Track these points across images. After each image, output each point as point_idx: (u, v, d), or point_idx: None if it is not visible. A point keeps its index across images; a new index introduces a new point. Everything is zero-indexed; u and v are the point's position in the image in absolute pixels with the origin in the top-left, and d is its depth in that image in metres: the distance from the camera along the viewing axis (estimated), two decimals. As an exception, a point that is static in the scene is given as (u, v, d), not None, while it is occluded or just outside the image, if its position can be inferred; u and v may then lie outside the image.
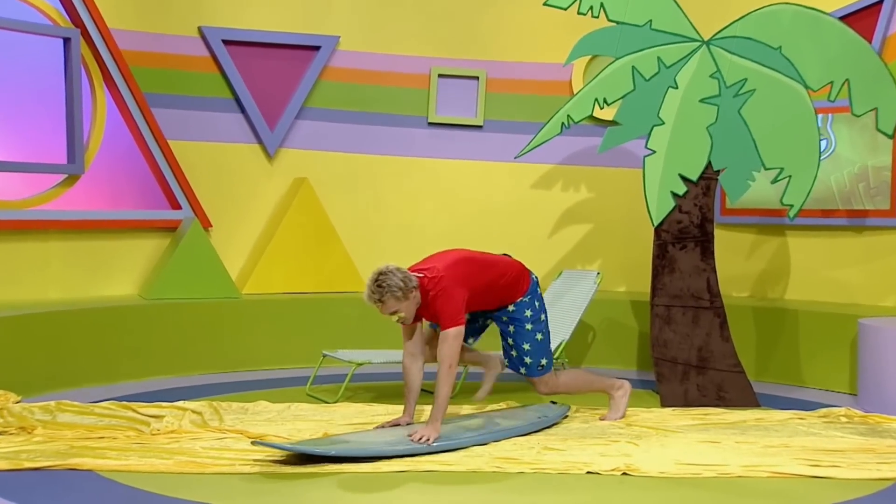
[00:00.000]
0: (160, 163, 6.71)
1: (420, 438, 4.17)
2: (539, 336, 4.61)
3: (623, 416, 4.93)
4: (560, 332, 5.96)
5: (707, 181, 5.57)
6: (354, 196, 7.41)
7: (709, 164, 5.52)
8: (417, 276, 4.28)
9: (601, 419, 4.94)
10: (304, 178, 7.17)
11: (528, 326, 4.58)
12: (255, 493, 3.66)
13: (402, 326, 4.47)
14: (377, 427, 4.53)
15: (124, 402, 4.95)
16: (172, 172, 6.74)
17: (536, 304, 4.63)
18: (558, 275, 6.60)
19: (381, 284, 4.19)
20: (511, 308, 4.59)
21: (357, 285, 7.18)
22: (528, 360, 4.63)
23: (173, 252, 6.54)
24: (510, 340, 4.65)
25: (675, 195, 5.53)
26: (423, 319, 4.49)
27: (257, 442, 4.03)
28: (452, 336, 4.24)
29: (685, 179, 5.53)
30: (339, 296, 6.98)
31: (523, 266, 4.68)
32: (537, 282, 4.72)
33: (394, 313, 4.24)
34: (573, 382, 4.85)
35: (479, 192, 7.58)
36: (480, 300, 4.46)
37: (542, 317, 4.63)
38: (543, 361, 4.66)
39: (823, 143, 6.50)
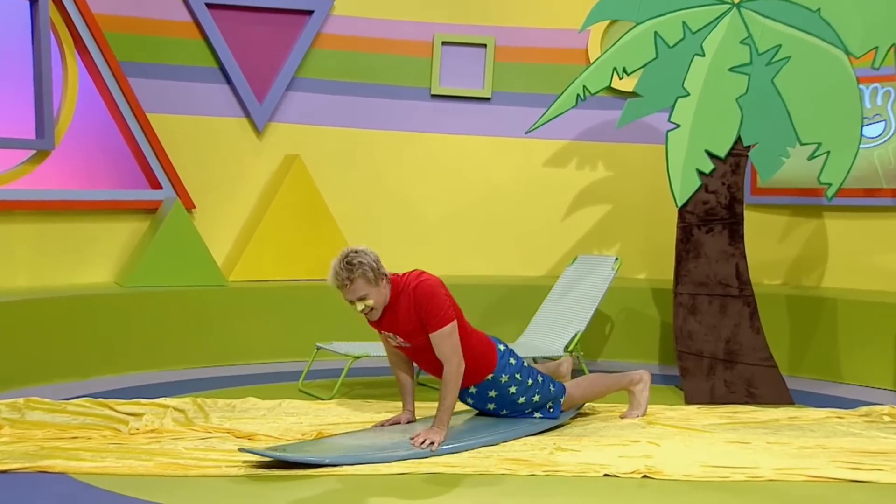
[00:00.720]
0: (138, 138, 6.69)
1: (423, 442, 4.14)
2: (529, 382, 4.55)
3: (644, 412, 4.93)
4: (575, 322, 5.97)
5: (736, 158, 5.55)
6: (351, 175, 7.40)
7: (738, 140, 5.49)
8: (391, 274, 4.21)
9: (621, 417, 4.95)
10: (296, 156, 7.15)
11: (513, 389, 4.51)
12: (244, 498, 3.66)
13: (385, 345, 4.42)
14: (376, 426, 4.51)
15: (100, 399, 4.95)
16: (152, 149, 6.72)
17: (512, 371, 4.50)
18: (573, 260, 6.60)
19: (351, 262, 4.12)
20: (492, 393, 4.49)
21: (353, 272, 7.16)
22: (536, 398, 4.58)
23: (153, 236, 6.53)
24: (505, 412, 4.57)
25: (700, 173, 5.51)
26: (390, 334, 4.31)
27: (245, 449, 4.02)
28: (448, 332, 4.19)
29: (712, 156, 5.51)
30: (333, 283, 6.97)
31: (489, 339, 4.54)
32: (508, 351, 4.56)
33: (362, 299, 4.14)
34: (589, 392, 4.84)
35: (487, 170, 7.58)
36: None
37: (518, 376, 4.52)
38: (552, 388, 4.62)
39: (881, 126, 6.46)
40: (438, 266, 7.53)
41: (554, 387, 4.66)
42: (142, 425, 4.56)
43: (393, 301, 4.23)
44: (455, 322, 4.23)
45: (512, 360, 4.53)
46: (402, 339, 4.32)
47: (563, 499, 3.72)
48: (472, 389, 4.49)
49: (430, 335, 4.20)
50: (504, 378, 4.48)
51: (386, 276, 4.19)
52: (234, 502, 3.61)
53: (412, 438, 4.20)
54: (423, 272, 4.30)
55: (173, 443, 4.32)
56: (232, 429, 4.56)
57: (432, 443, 4.15)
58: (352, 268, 4.11)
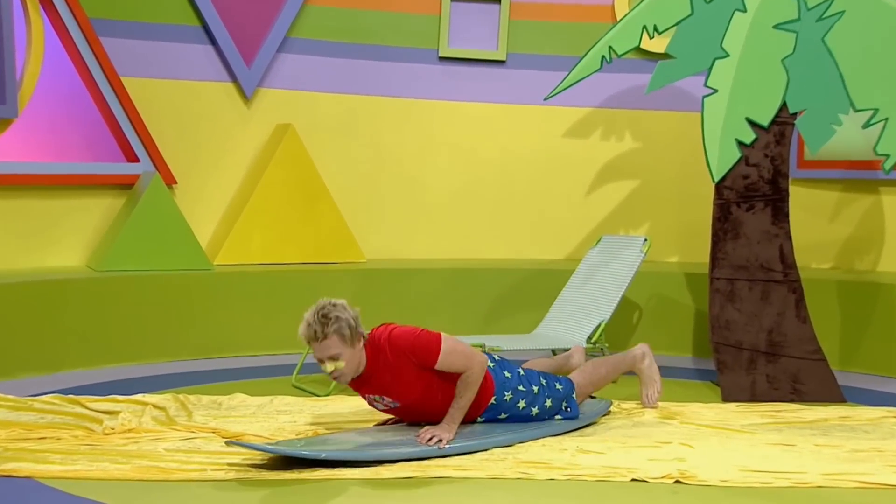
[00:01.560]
0: (112, 105, 6.68)
1: (431, 439, 4.16)
2: (535, 389, 4.58)
3: (661, 387, 5.06)
4: (599, 311, 5.98)
5: (781, 126, 5.52)
6: (349, 146, 7.39)
7: (783, 106, 5.46)
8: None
9: (643, 405, 5.03)
10: (289, 125, 7.14)
11: (522, 404, 4.55)
12: (230, 505, 3.65)
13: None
14: (378, 425, 4.52)
15: (71, 396, 4.96)
16: (127, 117, 6.71)
17: (513, 385, 4.52)
18: (597, 242, 6.60)
19: (327, 315, 4.08)
20: (503, 416, 4.53)
21: (354, 254, 7.18)
22: (548, 403, 4.63)
23: (129, 214, 6.53)
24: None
25: (741, 144, 5.49)
26: (376, 397, 4.32)
27: (232, 442, 4.04)
28: (448, 349, 4.20)
29: (754, 125, 5.48)
30: (330, 268, 6.98)
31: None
32: (499, 364, 4.57)
33: (332, 358, 4.11)
34: (595, 377, 4.90)
35: (501, 141, 7.57)
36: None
37: (521, 387, 4.55)
38: (559, 387, 4.68)
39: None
40: (447, 249, 7.55)
41: (560, 385, 4.70)
42: (117, 424, 4.56)
43: (372, 362, 4.21)
44: (443, 335, 4.24)
45: (507, 374, 4.54)
46: (391, 400, 4.32)
47: (587, 506, 3.71)
48: (480, 419, 4.53)
49: (436, 367, 4.21)
50: (507, 396, 4.51)
51: (364, 336, 4.18)
52: (219, 510, 3.61)
53: (418, 435, 4.20)
54: (388, 324, 4.30)
55: (153, 444, 4.32)
56: (218, 428, 4.56)
57: (440, 440, 4.16)
58: (327, 322, 4.08)
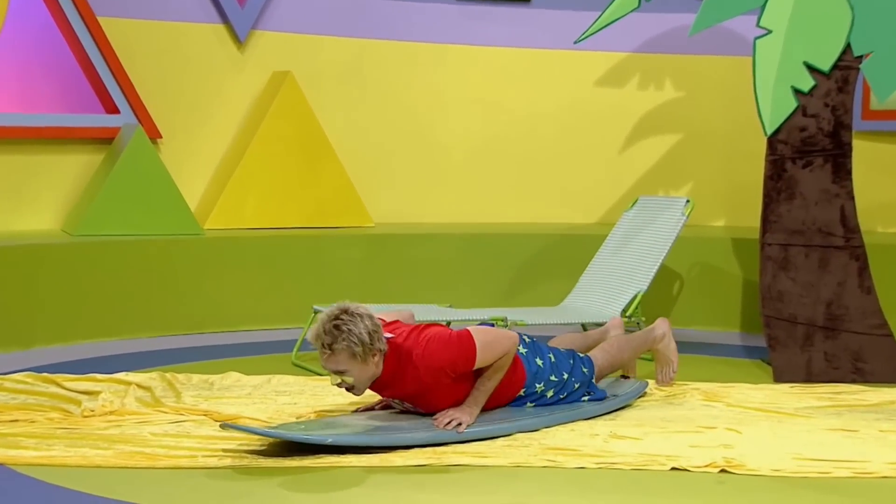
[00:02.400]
0: (88, 49, 6.68)
1: (449, 423, 4.17)
2: (564, 376, 4.61)
3: (677, 365, 5.10)
4: (635, 281, 5.98)
5: (844, 71, 5.50)
6: (355, 97, 7.39)
7: (847, 48, 5.40)
8: (388, 337, 4.18)
9: (658, 383, 5.11)
10: (287, 73, 7.12)
11: (550, 393, 4.60)
12: (224, 495, 3.67)
13: None
14: (360, 410, 4.49)
15: (45, 375, 4.97)
16: (106, 63, 6.71)
17: (545, 375, 4.57)
18: (632, 203, 6.59)
19: (339, 326, 4.05)
20: (530, 405, 4.57)
21: (360, 218, 7.18)
22: (576, 386, 4.68)
23: (109, 172, 6.54)
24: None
25: (797, 92, 5.44)
26: (394, 399, 4.37)
27: (227, 425, 4.05)
28: (482, 336, 4.23)
29: (813, 70, 5.43)
30: (334, 233, 6.98)
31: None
32: (532, 348, 4.60)
33: (339, 373, 4.11)
34: (616, 360, 4.95)
35: (526, 91, 7.55)
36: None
37: (553, 377, 4.59)
38: (585, 370, 4.72)
39: None
40: (465, 212, 7.54)
41: (586, 367, 4.74)
42: (98, 406, 4.57)
43: (395, 372, 4.20)
44: (473, 333, 4.25)
45: (539, 362, 4.56)
46: (409, 405, 4.36)
47: (620, 497, 3.71)
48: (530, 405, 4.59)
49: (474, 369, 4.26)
50: (539, 387, 4.55)
51: (381, 351, 4.14)
52: (212, 501, 3.62)
53: (435, 418, 4.22)
54: (408, 328, 4.27)
55: (137, 427, 4.33)
56: (210, 410, 4.57)
57: (459, 423, 4.17)
58: (338, 334, 4.05)
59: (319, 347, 4.10)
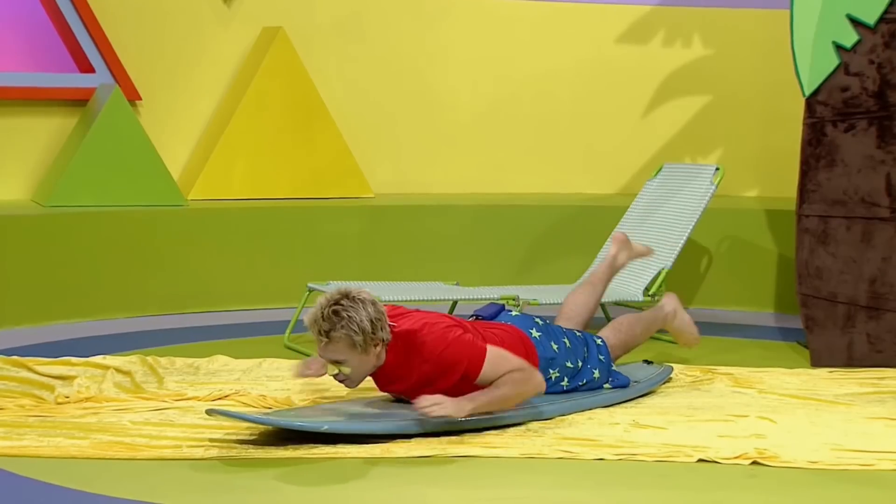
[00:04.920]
0: (60, 2, 6.65)
1: (428, 407, 4.02)
2: (579, 364, 4.63)
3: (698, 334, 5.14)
4: (659, 256, 5.99)
5: (891, 25, 5.47)
6: (353, 55, 7.38)
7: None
8: (393, 326, 4.17)
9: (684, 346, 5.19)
10: (279, 28, 7.12)
11: (565, 382, 4.60)
12: (212, 488, 3.67)
13: None
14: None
15: (15, 358, 4.98)
16: (80, 17, 6.69)
17: (560, 361, 4.58)
18: (657, 171, 6.60)
19: (338, 312, 4.03)
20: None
21: (359, 188, 7.17)
22: (595, 374, 4.70)
23: (83, 137, 6.54)
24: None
25: (839, 48, 5.42)
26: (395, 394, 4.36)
27: (214, 410, 4.05)
28: (493, 359, 4.18)
29: (857, 23, 5.42)
30: (330, 204, 6.99)
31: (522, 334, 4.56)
32: (545, 333, 4.61)
33: (337, 363, 4.10)
34: (630, 340, 4.96)
35: (541, 47, 7.55)
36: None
37: (569, 363, 4.61)
38: (601, 357, 4.74)
39: None
40: (474, 182, 7.54)
41: (602, 355, 4.76)
42: (73, 392, 4.58)
43: (398, 361, 4.20)
44: (487, 347, 4.22)
45: (555, 346, 4.56)
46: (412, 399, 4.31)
47: (642, 491, 3.72)
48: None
49: (479, 380, 4.19)
50: (553, 374, 4.55)
51: (384, 341, 4.13)
52: (198, 494, 3.63)
53: (418, 399, 4.07)
54: (422, 323, 4.24)
55: (116, 415, 4.34)
56: (196, 396, 4.59)
57: (442, 408, 4.03)
58: (337, 321, 4.03)
59: (316, 334, 4.09)
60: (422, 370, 4.21)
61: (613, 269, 5.22)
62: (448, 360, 4.18)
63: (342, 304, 4.05)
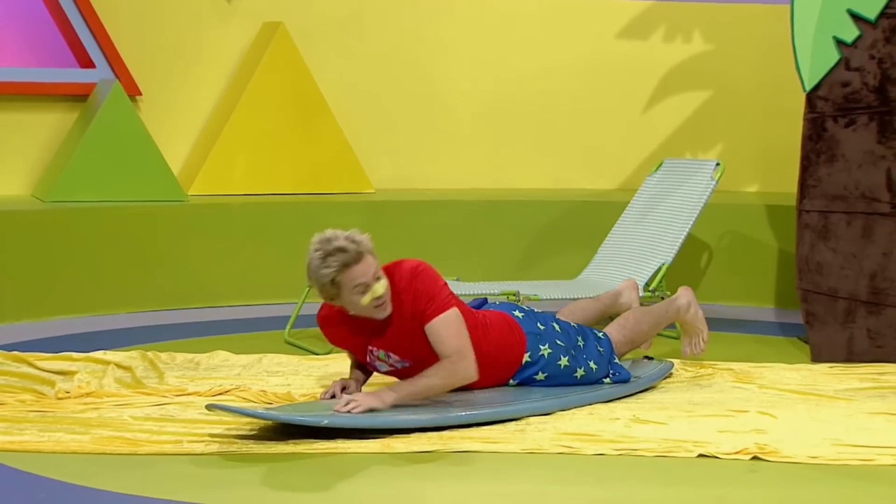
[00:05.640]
0: (61, -3, 6.66)
1: (347, 404, 4.07)
2: (580, 342, 4.65)
3: (707, 334, 5.09)
4: (659, 251, 6.00)
5: (892, 20, 5.45)
6: (354, 49, 7.38)
7: (895, -6, 5.39)
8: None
9: (684, 354, 5.12)
10: (279, 24, 7.12)
11: (564, 362, 4.61)
12: (212, 484, 3.68)
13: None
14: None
15: (16, 353, 4.98)
16: (80, 12, 6.68)
17: (551, 338, 4.59)
18: (657, 166, 6.59)
19: (353, 238, 4.14)
20: (540, 375, 4.58)
21: (359, 183, 7.17)
22: (593, 365, 4.69)
23: (83, 132, 6.53)
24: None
25: (840, 43, 5.42)
26: (381, 352, 4.37)
27: (214, 405, 4.06)
28: (451, 318, 4.22)
29: (857, 18, 5.40)
30: (330, 199, 6.99)
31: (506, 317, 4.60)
32: (530, 314, 4.64)
33: (379, 278, 4.15)
34: (636, 336, 4.95)
35: (541, 43, 7.54)
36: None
37: (560, 342, 4.62)
38: (600, 349, 4.72)
39: None
40: (474, 178, 7.53)
41: (602, 347, 4.74)
42: (73, 387, 4.59)
43: (393, 302, 4.25)
44: (457, 310, 4.26)
45: (540, 325, 4.57)
46: (398, 359, 4.33)
47: (642, 486, 3.72)
48: (513, 381, 4.57)
49: (428, 326, 4.22)
50: (544, 350, 4.55)
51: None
52: (199, 489, 3.63)
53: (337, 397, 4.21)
54: (405, 260, 4.33)
55: (116, 410, 4.34)
56: (196, 392, 4.60)
57: (358, 406, 4.06)
58: (359, 243, 4.13)
59: (351, 260, 4.07)
60: (401, 302, 4.23)
61: (615, 299, 5.17)
62: (419, 290, 4.22)
63: (351, 233, 4.16)
